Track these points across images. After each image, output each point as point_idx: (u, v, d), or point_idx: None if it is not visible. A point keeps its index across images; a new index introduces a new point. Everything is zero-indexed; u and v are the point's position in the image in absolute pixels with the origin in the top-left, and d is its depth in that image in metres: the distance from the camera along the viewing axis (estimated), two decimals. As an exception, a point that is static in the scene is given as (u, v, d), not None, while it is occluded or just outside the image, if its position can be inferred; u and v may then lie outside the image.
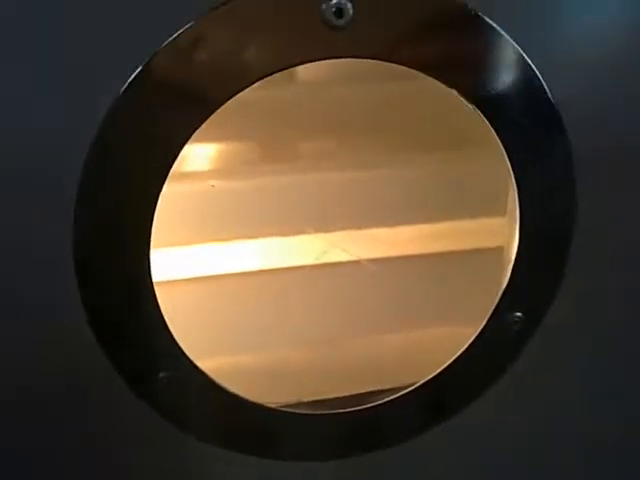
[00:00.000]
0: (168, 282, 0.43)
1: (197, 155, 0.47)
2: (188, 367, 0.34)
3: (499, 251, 0.41)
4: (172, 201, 0.42)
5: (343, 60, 0.31)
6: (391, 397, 0.40)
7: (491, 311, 0.39)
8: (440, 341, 0.49)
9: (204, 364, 0.36)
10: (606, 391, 0.44)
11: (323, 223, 0.48)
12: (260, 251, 0.49)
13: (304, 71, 0.42)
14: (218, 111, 0.31)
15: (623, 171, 0.39)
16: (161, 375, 0.34)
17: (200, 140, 0.45)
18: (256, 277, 0.49)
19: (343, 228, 0.49)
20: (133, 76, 0.29)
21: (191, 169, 0.46)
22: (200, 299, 0.47)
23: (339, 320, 0.50)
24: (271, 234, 0.48)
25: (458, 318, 0.45)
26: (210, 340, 0.44)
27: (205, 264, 0.48)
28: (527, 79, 0.35)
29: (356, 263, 0.49)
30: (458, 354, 0.40)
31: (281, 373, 0.45)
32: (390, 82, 0.42)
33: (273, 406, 0.38)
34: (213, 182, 0.45)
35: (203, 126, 0.31)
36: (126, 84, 0.29)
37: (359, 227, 0.49)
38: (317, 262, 0.48)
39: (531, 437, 0.44)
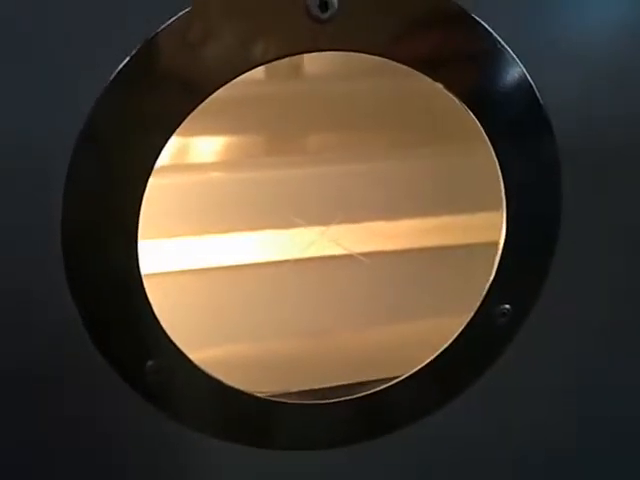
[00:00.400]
0: (163, 274, 0.44)
1: (198, 147, 0.47)
2: (175, 355, 0.35)
3: (495, 246, 0.40)
4: (171, 192, 0.44)
5: (344, 56, 0.32)
6: (379, 388, 0.40)
7: (479, 303, 0.40)
8: (431, 333, 0.49)
9: (197, 355, 0.36)
10: (595, 383, 0.44)
11: (320, 216, 0.48)
12: (255, 244, 0.49)
13: (308, 66, 0.43)
14: (223, 104, 0.32)
15: (609, 167, 0.39)
16: (149, 363, 0.34)
17: (201, 133, 0.46)
18: (249, 270, 0.49)
19: (341, 221, 0.48)
20: (124, 63, 0.29)
21: (194, 161, 0.47)
22: (194, 291, 0.48)
23: (332, 313, 0.50)
24: (266, 227, 0.48)
25: (451, 310, 0.44)
26: (203, 332, 0.44)
27: (200, 256, 0.48)
28: (515, 77, 0.35)
29: (349, 256, 0.49)
30: (445, 346, 0.40)
31: (272, 364, 0.45)
32: (390, 78, 0.41)
33: (262, 396, 0.38)
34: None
35: (206, 118, 0.32)
36: (115, 72, 0.29)
37: (356, 220, 0.49)
38: (304, 254, 0.48)
39: (519, 430, 0.44)
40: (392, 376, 0.41)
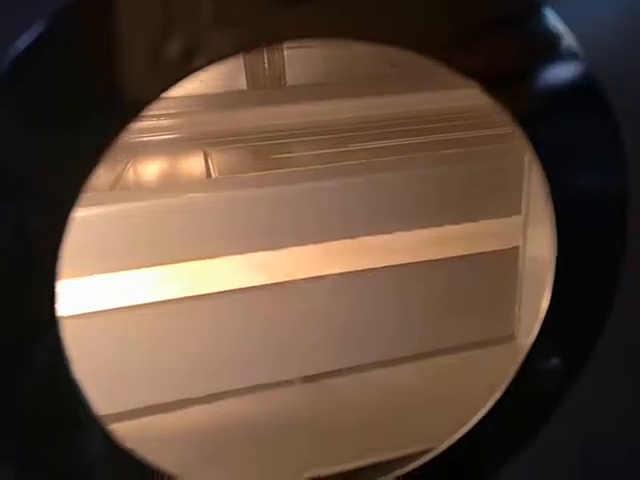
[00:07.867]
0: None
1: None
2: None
3: (514, 252, 0.40)
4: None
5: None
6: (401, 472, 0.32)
7: (522, 359, 0.31)
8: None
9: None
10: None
11: (314, 234, 0.46)
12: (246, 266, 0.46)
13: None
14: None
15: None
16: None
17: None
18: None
19: (340, 237, 0.46)
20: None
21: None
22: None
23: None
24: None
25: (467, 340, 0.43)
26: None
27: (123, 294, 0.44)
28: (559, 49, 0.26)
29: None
30: (484, 413, 0.32)
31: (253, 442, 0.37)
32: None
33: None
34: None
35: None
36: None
37: (353, 235, 0.47)
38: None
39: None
40: (401, 455, 0.33)
